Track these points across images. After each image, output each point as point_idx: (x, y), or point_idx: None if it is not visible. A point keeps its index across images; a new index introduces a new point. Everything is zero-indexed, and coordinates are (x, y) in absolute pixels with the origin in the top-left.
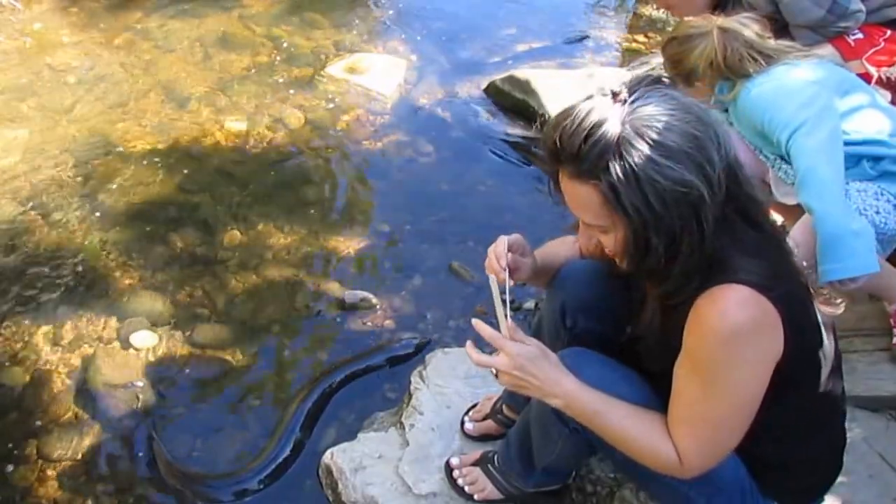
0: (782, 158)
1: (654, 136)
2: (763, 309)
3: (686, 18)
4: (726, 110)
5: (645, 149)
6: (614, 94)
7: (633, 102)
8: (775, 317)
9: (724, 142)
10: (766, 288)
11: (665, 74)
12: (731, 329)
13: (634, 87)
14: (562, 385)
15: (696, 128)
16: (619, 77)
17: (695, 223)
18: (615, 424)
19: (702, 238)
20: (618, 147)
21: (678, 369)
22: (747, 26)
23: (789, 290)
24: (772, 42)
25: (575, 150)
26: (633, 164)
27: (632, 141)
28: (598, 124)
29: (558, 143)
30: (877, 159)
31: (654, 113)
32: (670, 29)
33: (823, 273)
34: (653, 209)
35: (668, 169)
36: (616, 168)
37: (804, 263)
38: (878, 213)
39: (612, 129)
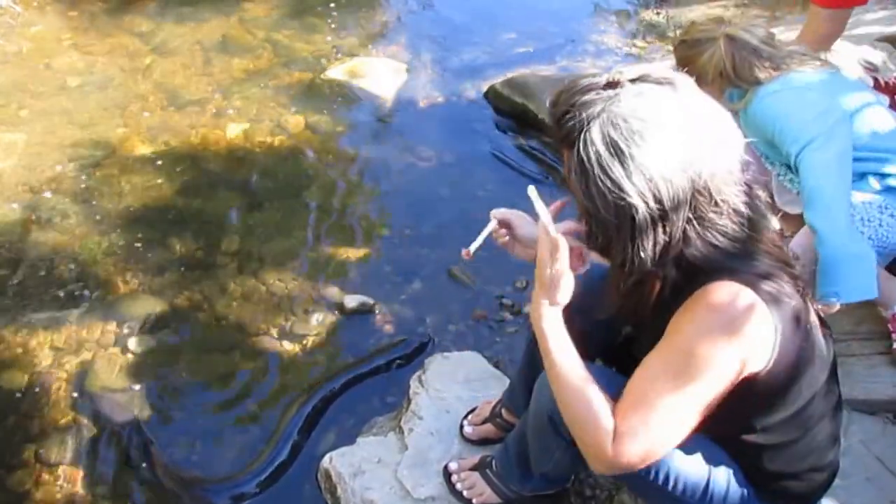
0: (789, 168)
1: (615, 134)
2: (754, 307)
3: (695, 20)
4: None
5: (600, 142)
6: (613, 82)
7: (622, 94)
8: (766, 318)
9: (714, 161)
10: (758, 288)
11: None
12: (717, 322)
13: (639, 78)
14: (546, 313)
15: (674, 138)
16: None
17: (629, 229)
18: (568, 380)
19: (633, 245)
20: (586, 129)
21: (650, 355)
22: (755, 33)
23: (781, 290)
24: (781, 47)
25: (558, 117)
26: (587, 151)
27: (599, 128)
28: (584, 103)
29: (553, 105)
30: (882, 175)
31: (635, 110)
32: (679, 32)
33: (821, 295)
34: (592, 199)
35: (612, 170)
36: (579, 147)
37: (803, 271)
38: (881, 225)
39: (591, 110)
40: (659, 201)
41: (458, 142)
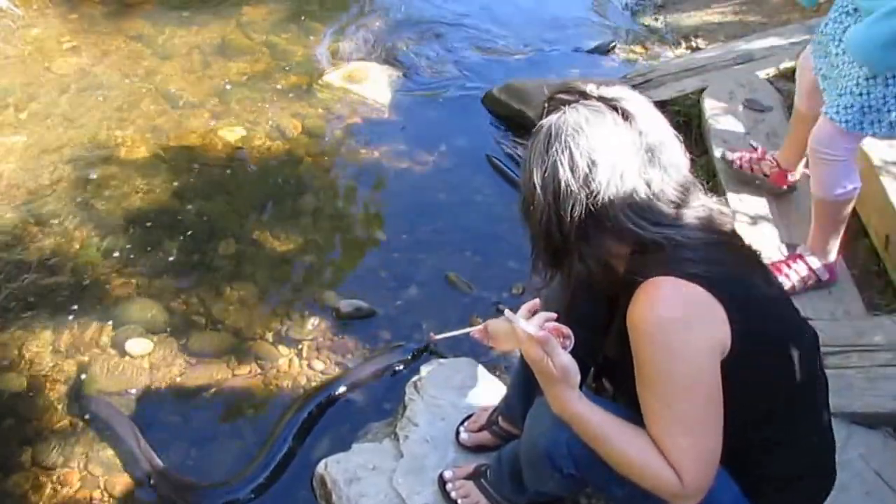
0: None
1: (553, 133)
2: (688, 294)
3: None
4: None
5: (542, 135)
6: (586, 93)
7: (584, 104)
8: (706, 298)
9: (620, 187)
10: (688, 274)
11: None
12: (659, 322)
13: (605, 98)
14: (570, 397)
15: (587, 154)
16: (615, 85)
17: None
18: (624, 450)
19: (539, 227)
20: (543, 120)
21: (638, 389)
22: None
23: (721, 272)
24: None
25: (542, 105)
26: (532, 139)
27: (549, 125)
28: (556, 101)
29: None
30: None
31: (580, 121)
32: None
33: None
34: (522, 178)
35: (534, 160)
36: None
37: None
38: None
39: (556, 109)
40: (556, 199)
41: (456, 147)
